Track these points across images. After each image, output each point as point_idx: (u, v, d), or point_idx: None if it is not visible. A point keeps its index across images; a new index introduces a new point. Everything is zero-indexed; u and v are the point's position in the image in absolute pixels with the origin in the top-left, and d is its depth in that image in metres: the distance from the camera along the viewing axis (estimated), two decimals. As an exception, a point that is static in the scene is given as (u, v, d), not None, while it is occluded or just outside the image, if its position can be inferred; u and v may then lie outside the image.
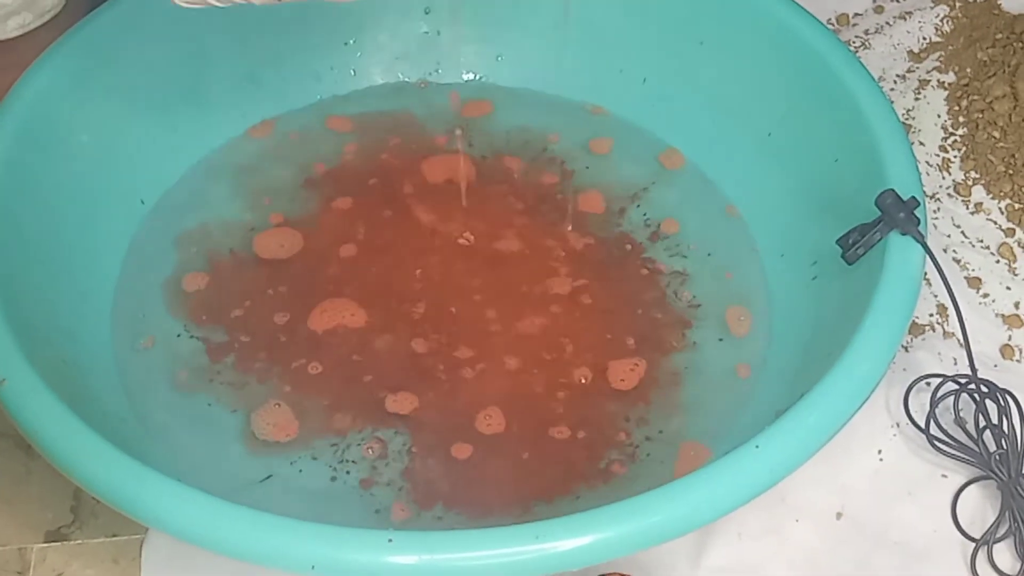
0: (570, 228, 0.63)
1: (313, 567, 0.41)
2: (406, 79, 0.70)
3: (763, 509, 0.52)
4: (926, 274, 0.52)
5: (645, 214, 0.63)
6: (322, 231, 0.62)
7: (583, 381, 0.56)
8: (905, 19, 0.75)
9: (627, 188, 0.65)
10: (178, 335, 0.58)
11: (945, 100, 0.70)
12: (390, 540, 0.41)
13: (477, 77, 0.70)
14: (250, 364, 0.57)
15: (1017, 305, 0.61)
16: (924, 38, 0.74)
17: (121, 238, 0.60)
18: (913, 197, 0.52)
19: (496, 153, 0.66)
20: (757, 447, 0.45)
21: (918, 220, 0.51)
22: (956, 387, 0.54)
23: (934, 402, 0.54)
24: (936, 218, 0.65)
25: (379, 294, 0.60)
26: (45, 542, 0.53)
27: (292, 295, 0.60)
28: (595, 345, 0.58)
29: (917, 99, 0.71)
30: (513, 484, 0.53)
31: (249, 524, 0.42)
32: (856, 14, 0.76)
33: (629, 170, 0.66)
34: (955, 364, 0.58)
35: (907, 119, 0.69)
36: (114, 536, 0.53)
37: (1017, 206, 0.65)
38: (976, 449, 0.53)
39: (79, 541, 0.53)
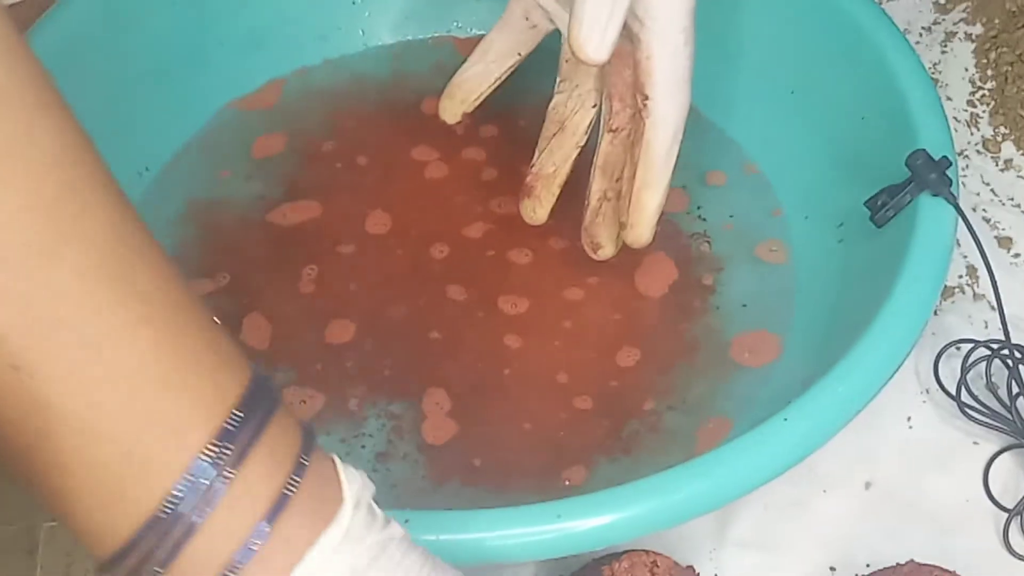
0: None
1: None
2: (416, 37, 0.68)
3: (789, 480, 0.50)
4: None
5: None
6: (337, 195, 0.61)
7: (603, 348, 0.55)
8: (931, -33, 0.72)
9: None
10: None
11: (973, 53, 0.68)
12: (407, 520, 0.40)
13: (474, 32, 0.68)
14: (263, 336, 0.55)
15: (1049, 265, 0.59)
16: (950, -12, 0.72)
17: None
18: (945, 157, 0.50)
19: (504, 111, 0.64)
20: (785, 420, 0.43)
21: (950, 181, 0.50)
22: (988, 352, 0.52)
23: (965, 368, 0.52)
24: (965, 175, 0.62)
25: (403, 261, 0.58)
26: (54, 520, 0.52)
27: (307, 262, 0.58)
28: (615, 311, 0.56)
29: (944, 52, 0.68)
30: (531, 457, 0.51)
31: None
32: (879, -36, 0.73)
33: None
34: (986, 327, 0.56)
35: (934, 73, 0.67)
36: (124, 514, 0.52)
37: (1048, 162, 0.63)
38: (1009, 416, 0.52)
39: (88, 520, 0.52)
